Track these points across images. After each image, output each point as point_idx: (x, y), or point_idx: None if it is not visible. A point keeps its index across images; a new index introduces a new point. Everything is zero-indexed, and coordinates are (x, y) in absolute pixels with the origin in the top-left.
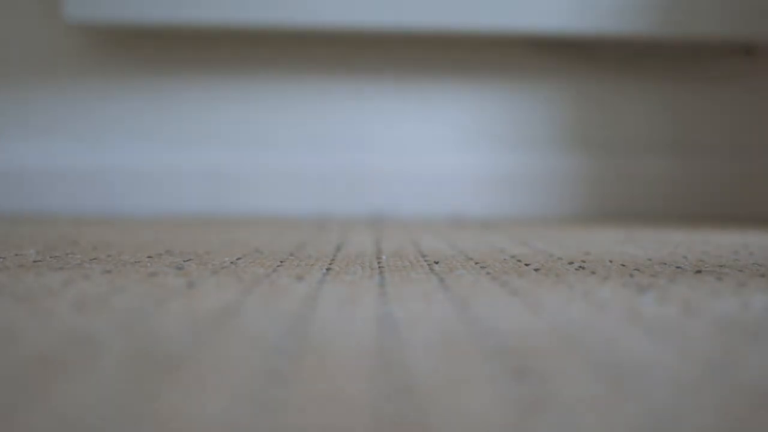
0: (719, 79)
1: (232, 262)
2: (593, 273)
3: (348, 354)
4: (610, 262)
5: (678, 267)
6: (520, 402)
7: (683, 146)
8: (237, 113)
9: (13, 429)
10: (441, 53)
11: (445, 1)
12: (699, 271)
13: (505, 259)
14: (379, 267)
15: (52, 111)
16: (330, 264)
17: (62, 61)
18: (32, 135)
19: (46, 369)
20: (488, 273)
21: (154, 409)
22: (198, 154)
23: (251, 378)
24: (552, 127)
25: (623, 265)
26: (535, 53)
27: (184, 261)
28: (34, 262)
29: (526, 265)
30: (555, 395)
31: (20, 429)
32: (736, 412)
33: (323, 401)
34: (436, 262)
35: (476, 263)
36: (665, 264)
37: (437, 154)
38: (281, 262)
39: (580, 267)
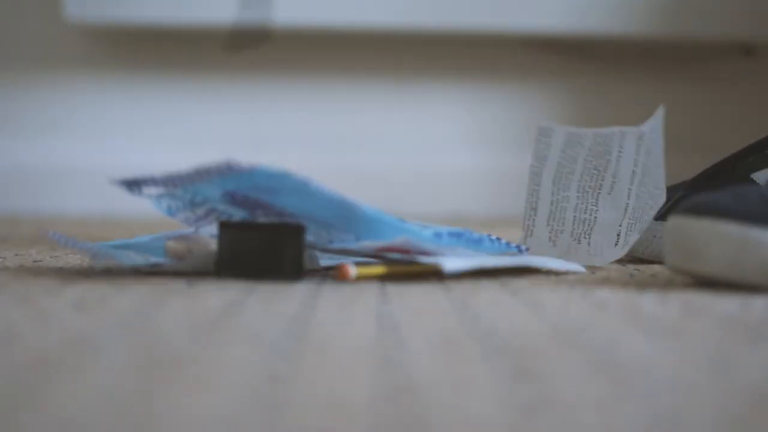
0: (719, 79)
1: None
2: (593, 273)
3: (348, 354)
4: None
5: None
6: (520, 402)
7: (683, 145)
8: (237, 113)
9: (13, 429)
10: (441, 53)
11: (445, 2)
12: None
13: None
14: None
15: (51, 111)
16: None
17: (62, 61)
18: (32, 135)
19: (46, 369)
20: (488, 273)
21: (155, 409)
22: (198, 153)
23: (251, 378)
24: None
25: (623, 265)
26: (535, 53)
27: None
28: (34, 262)
29: None
30: (555, 395)
31: (20, 429)
32: (734, 408)
33: (323, 401)
34: None
35: None
36: (665, 264)
37: (437, 154)
38: None
39: (580, 270)
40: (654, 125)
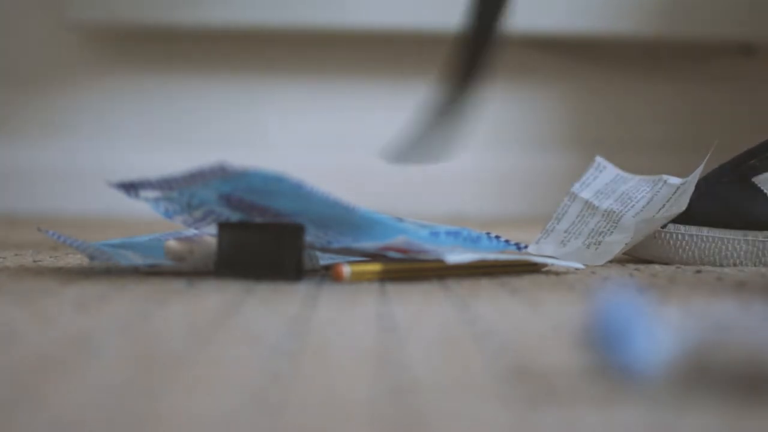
0: (719, 79)
1: None
2: (593, 273)
3: (348, 354)
4: (610, 262)
5: (678, 267)
6: (519, 402)
7: (683, 146)
8: (237, 113)
9: (13, 429)
10: (441, 53)
11: (446, 2)
12: (698, 272)
13: None
14: None
15: (52, 111)
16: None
17: (62, 61)
18: (32, 135)
19: (46, 369)
20: (488, 272)
21: (154, 408)
22: (198, 153)
23: (251, 378)
24: (552, 126)
25: (623, 265)
26: (535, 53)
27: None
28: (34, 261)
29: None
30: (555, 395)
31: (20, 429)
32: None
33: (323, 401)
34: None
35: None
36: (666, 263)
37: None
38: None
39: (580, 267)
40: (694, 175)
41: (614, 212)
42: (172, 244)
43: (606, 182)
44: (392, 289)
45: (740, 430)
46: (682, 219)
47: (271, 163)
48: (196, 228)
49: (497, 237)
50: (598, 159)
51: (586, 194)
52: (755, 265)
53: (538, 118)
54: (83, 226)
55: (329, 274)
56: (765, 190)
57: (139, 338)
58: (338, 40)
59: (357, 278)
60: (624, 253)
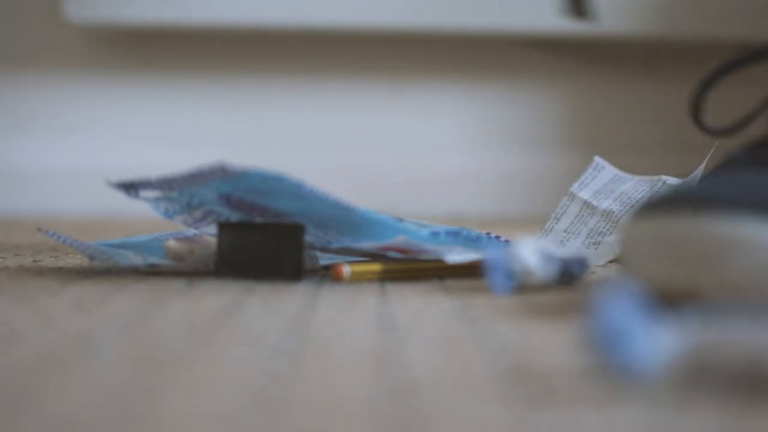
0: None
1: None
2: (593, 273)
3: (348, 354)
4: (610, 262)
5: None
6: (519, 402)
7: (684, 146)
8: (237, 113)
9: (13, 429)
10: (441, 53)
11: (445, 2)
12: None
13: None
14: None
15: (52, 110)
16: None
17: (62, 60)
18: (32, 135)
19: (46, 369)
20: None
21: (154, 408)
22: (198, 154)
23: (251, 378)
24: (552, 126)
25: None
26: (535, 53)
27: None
28: (34, 261)
29: None
30: (555, 395)
31: (20, 429)
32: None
33: (323, 401)
34: None
35: None
36: None
37: (437, 154)
38: None
39: None
40: (694, 175)
41: (613, 212)
42: (172, 244)
43: (605, 182)
44: (392, 289)
45: (740, 430)
46: None
47: (271, 163)
48: (196, 228)
49: (497, 237)
50: (597, 159)
51: (584, 194)
52: None
53: (538, 118)
54: (83, 227)
55: (329, 274)
56: None
57: (139, 338)
58: (338, 40)
59: (357, 278)
60: None
